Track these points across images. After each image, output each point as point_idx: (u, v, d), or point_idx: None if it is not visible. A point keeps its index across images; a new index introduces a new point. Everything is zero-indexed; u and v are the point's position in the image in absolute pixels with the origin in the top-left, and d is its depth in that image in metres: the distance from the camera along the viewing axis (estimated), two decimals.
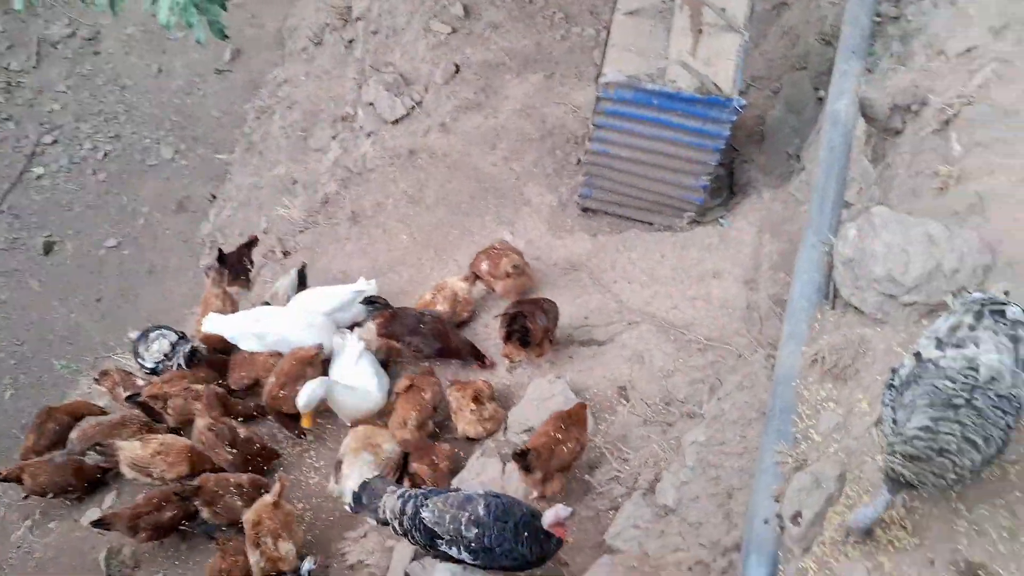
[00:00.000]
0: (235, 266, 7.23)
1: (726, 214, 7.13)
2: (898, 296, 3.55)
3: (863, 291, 3.66)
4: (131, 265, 9.85)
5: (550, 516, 4.03)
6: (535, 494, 4.96)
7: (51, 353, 8.96)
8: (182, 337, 6.46)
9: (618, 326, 6.13)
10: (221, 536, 5.24)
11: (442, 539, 4.18)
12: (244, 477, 5.42)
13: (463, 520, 4.12)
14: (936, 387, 2.78)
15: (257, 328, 6.19)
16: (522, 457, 4.72)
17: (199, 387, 5.98)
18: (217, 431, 5.63)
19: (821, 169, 4.55)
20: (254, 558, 4.89)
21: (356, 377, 5.85)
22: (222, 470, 5.64)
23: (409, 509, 4.26)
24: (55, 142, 10.54)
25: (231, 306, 6.72)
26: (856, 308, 3.73)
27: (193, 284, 9.58)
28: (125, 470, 5.67)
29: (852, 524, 2.89)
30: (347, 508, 4.80)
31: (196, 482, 5.30)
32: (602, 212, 7.50)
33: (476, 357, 6.07)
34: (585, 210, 7.54)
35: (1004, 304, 2.93)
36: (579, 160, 7.82)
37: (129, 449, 5.63)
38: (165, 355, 6.33)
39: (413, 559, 4.79)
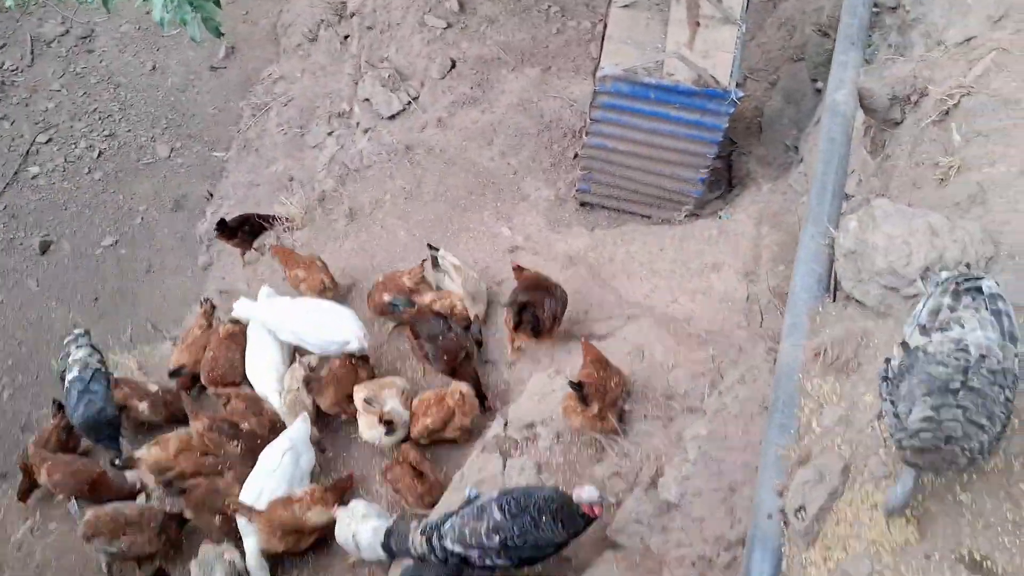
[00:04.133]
0: (236, 229, 7.75)
1: (725, 207, 7.12)
2: (900, 289, 3.54)
3: (865, 284, 3.65)
4: (128, 264, 9.78)
5: (583, 497, 4.07)
6: (587, 430, 5.04)
7: (49, 353, 8.88)
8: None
9: (618, 320, 6.11)
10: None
11: (473, 557, 4.19)
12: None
13: (482, 531, 4.12)
14: (930, 374, 2.76)
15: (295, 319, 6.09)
16: (579, 387, 4.81)
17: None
18: (219, 429, 5.63)
19: (820, 160, 4.53)
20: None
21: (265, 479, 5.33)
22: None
23: (435, 542, 4.27)
24: (50, 141, 10.46)
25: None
26: (858, 301, 3.72)
27: (192, 283, 9.53)
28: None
29: (887, 508, 2.89)
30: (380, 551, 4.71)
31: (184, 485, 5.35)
32: (600, 206, 7.48)
33: (478, 396, 5.75)
34: (583, 204, 7.52)
35: (979, 279, 2.93)
36: (576, 154, 7.79)
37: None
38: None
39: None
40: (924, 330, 2.87)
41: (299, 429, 5.55)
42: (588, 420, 4.94)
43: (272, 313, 6.20)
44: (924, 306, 2.97)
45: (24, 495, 6.14)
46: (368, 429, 5.62)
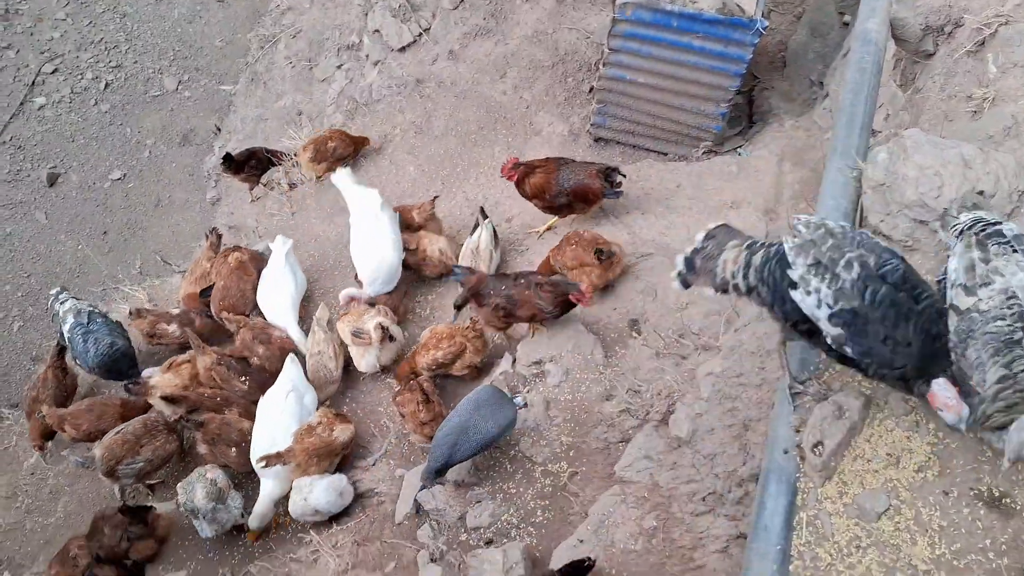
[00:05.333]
0: (243, 163, 7.74)
1: (744, 143, 6.93)
2: (930, 222, 3.41)
3: (894, 217, 3.51)
4: (137, 198, 9.69)
5: None
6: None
7: (59, 285, 8.90)
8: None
9: (631, 258, 5.99)
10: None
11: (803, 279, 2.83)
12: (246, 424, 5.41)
13: (847, 255, 2.77)
14: (991, 332, 2.73)
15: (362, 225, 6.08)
16: (602, 252, 5.40)
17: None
18: (227, 364, 5.61)
19: (849, 90, 4.32)
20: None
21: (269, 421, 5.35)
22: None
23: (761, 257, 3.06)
24: (55, 71, 10.28)
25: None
26: (885, 235, 3.59)
27: (201, 218, 9.45)
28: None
29: (1013, 457, 2.75)
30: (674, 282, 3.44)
31: (201, 418, 5.31)
32: (615, 142, 7.29)
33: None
34: (597, 140, 7.33)
35: (996, 223, 2.93)
36: (591, 88, 7.57)
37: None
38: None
39: (422, 488, 4.77)
40: (968, 290, 2.81)
41: (292, 370, 5.51)
42: (618, 265, 5.59)
43: (360, 202, 6.19)
44: (958, 264, 2.89)
45: (41, 444, 6.11)
46: (361, 358, 5.64)
